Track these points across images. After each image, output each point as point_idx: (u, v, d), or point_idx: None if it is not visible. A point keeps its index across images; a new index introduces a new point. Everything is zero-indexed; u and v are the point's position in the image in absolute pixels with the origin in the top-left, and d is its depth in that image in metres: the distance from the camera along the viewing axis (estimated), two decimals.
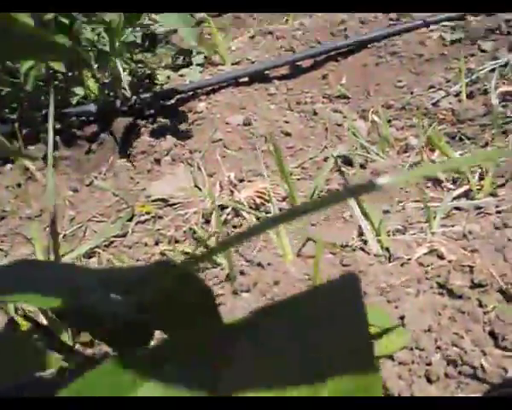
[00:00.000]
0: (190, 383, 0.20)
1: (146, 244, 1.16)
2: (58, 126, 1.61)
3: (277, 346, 0.23)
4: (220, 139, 1.40)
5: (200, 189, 1.25)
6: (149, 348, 0.28)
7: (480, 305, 0.71)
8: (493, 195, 0.99)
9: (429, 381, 0.64)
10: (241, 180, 1.24)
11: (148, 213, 1.26)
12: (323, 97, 1.54)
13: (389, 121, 1.36)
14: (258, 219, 1.08)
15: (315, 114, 1.47)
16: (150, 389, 0.20)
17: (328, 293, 0.26)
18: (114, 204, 1.37)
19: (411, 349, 0.67)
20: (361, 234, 0.93)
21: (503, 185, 1.00)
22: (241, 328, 0.24)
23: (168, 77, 1.74)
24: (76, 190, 1.49)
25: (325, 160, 1.24)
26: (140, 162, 1.50)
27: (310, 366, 0.21)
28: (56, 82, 1.66)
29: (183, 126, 1.52)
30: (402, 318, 0.70)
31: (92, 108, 1.61)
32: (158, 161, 1.45)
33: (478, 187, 1.01)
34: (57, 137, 1.60)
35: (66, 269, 0.34)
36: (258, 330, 0.24)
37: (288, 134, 1.40)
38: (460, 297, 0.73)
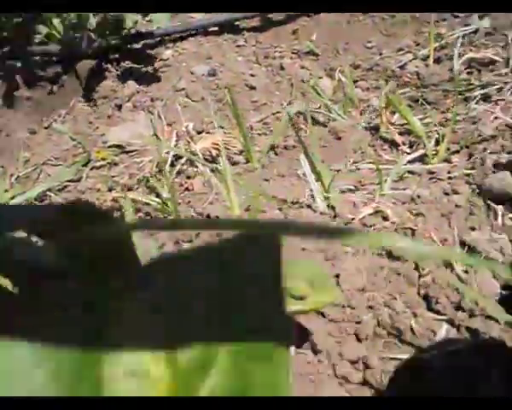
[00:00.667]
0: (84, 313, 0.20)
1: (99, 190, 1.14)
2: (19, 65, 1.56)
3: (187, 286, 0.22)
4: (183, 88, 1.37)
5: (158, 137, 1.23)
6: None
7: (417, 268, 0.72)
8: (447, 161, 0.98)
9: (358, 339, 0.65)
10: (200, 132, 1.22)
11: (103, 159, 1.24)
12: (292, 53, 1.52)
13: (355, 81, 1.34)
14: (212, 171, 1.06)
15: (282, 69, 1.44)
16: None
17: (247, 242, 0.25)
18: (71, 148, 1.34)
19: (343, 307, 0.67)
20: (312, 192, 0.92)
21: (457, 152, 1.00)
22: (157, 267, 0.23)
23: (136, 22, 1.69)
24: (34, 131, 1.45)
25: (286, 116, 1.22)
26: (101, 107, 1.46)
27: (217, 309, 0.20)
28: (19, 19, 1.60)
29: (147, 73, 1.49)
30: (337, 276, 0.70)
31: (56, 48, 1.56)
32: (119, 107, 1.42)
33: (433, 152, 1.00)
34: (18, 77, 1.56)
35: None
36: (174, 268, 0.23)
37: (252, 88, 1.37)
38: (397, 259, 0.73)
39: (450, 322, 0.66)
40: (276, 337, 0.19)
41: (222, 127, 1.19)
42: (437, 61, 1.33)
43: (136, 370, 0.19)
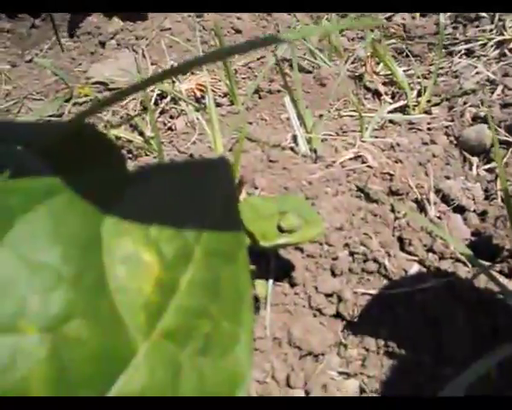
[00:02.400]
0: (81, 213, 0.21)
1: None
2: None
3: (158, 198, 0.23)
4: (169, 28, 1.36)
5: (141, 76, 1.22)
6: (41, 178, 0.28)
7: (393, 211, 0.74)
8: (427, 112, 1.00)
9: (333, 274, 0.67)
10: (185, 73, 1.21)
11: (86, 95, 1.23)
12: None
13: (341, 31, 1.34)
14: (197, 110, 1.07)
15: (269, 14, 1.43)
16: (36, 215, 0.20)
17: (205, 167, 0.27)
18: (53, 83, 1.33)
19: (321, 244, 0.69)
20: (294, 136, 0.93)
21: (438, 104, 1.02)
22: (130, 180, 0.24)
23: None
24: (14, 64, 1.43)
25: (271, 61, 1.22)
26: (84, 43, 1.45)
27: (184, 222, 0.22)
28: None
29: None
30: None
31: None
32: (102, 44, 1.41)
33: (414, 103, 1.02)
34: None
35: None
36: (149, 180, 0.24)
37: (238, 31, 1.37)
38: (375, 201, 0.75)
39: (422, 262, 0.69)
40: (236, 243, 0.23)
41: (206, 70, 1.19)
42: (423, 14, 1.33)
43: (132, 256, 0.21)
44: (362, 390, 0.59)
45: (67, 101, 1.24)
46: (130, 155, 1.04)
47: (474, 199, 0.78)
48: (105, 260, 0.21)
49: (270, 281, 0.66)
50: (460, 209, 0.77)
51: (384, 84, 1.11)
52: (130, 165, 0.89)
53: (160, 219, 0.22)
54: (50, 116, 1.20)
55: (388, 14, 1.35)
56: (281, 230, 0.59)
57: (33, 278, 0.19)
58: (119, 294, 0.20)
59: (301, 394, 0.58)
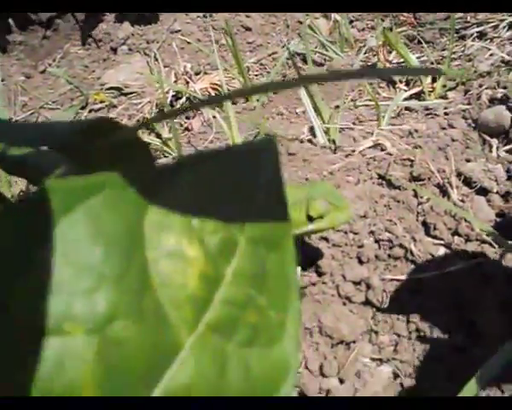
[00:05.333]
0: (120, 211, 0.21)
1: None
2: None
3: (200, 188, 0.24)
4: (178, 30, 1.37)
5: (155, 79, 1.23)
6: (78, 178, 0.28)
7: (416, 196, 0.74)
8: (443, 97, 1.00)
9: (360, 262, 0.67)
10: (198, 73, 1.22)
11: (102, 101, 1.24)
12: None
13: (351, 22, 1.34)
14: (213, 109, 1.08)
15: None
16: (77, 216, 0.20)
17: (250, 151, 0.27)
18: (68, 92, 1.35)
19: (346, 233, 0.69)
20: (311, 129, 0.93)
21: (453, 88, 1.01)
22: (169, 172, 0.24)
23: None
24: (29, 76, 1.45)
25: (283, 56, 1.22)
26: (96, 51, 1.46)
27: (227, 211, 0.22)
28: None
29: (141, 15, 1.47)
30: None
31: None
32: (114, 50, 1.42)
33: (430, 89, 1.02)
34: (10, 20, 1.54)
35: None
36: (185, 172, 0.24)
37: (248, 29, 1.37)
38: (397, 188, 0.75)
39: (448, 246, 0.69)
40: (281, 230, 0.22)
41: (219, 68, 1.19)
42: None
43: (175, 250, 0.21)
44: (395, 376, 0.59)
45: (83, 108, 1.25)
46: None
47: (496, 180, 0.78)
48: (148, 256, 0.21)
49: (298, 271, 0.66)
50: (483, 191, 0.76)
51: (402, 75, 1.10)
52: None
53: (202, 210, 0.22)
54: None
55: None
56: (310, 217, 0.59)
57: (77, 280, 0.19)
58: (164, 290, 0.20)
59: (335, 382, 0.59)
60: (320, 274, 0.67)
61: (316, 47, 1.25)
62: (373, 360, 0.61)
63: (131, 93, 1.23)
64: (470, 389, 0.49)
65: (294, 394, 0.57)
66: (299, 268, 0.66)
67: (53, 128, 0.36)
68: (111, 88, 1.27)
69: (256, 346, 0.21)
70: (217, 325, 0.20)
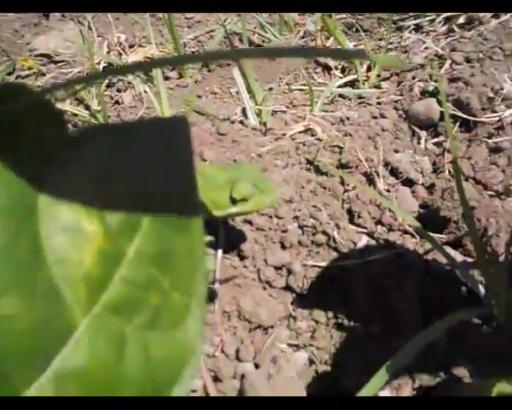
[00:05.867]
0: (16, 181, 0.19)
1: None
2: None
3: (104, 164, 0.22)
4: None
5: (88, 48, 1.18)
6: None
7: (342, 183, 0.74)
8: (377, 87, 1.00)
9: (283, 247, 0.67)
10: (132, 45, 1.18)
11: (30, 68, 1.18)
12: None
13: None
14: (145, 83, 1.04)
15: None
16: None
17: (159, 127, 0.25)
18: None
19: (270, 217, 0.68)
20: (243, 110, 0.92)
21: (387, 79, 1.02)
22: (73, 144, 0.22)
23: None
24: None
25: (220, 34, 1.20)
26: (27, 15, 1.39)
27: (133, 188, 0.21)
28: None
29: None
30: None
31: None
32: (46, 16, 1.35)
33: (364, 78, 1.02)
34: None
35: None
36: (94, 143, 0.22)
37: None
38: (325, 174, 0.75)
39: (371, 235, 0.69)
40: (190, 212, 0.21)
41: (154, 43, 1.16)
42: None
43: (72, 225, 0.20)
44: (311, 362, 0.59)
45: (9, 74, 1.19)
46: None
47: (422, 172, 0.79)
48: (41, 230, 0.19)
49: (219, 254, 0.65)
50: (408, 182, 0.77)
51: (334, 58, 1.10)
52: None
53: (105, 185, 0.20)
54: None
55: None
56: (233, 199, 0.58)
57: None
58: (58, 266, 0.19)
59: (251, 367, 0.58)
60: (242, 258, 0.65)
61: (255, 27, 1.23)
62: (290, 345, 0.60)
63: (61, 61, 1.18)
64: (381, 377, 0.49)
65: (206, 378, 0.56)
66: (220, 251, 0.65)
67: None
68: (40, 55, 1.21)
69: (158, 329, 0.20)
70: (115, 305, 0.19)
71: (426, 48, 1.07)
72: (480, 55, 0.96)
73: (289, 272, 0.65)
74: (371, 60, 0.20)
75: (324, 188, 0.73)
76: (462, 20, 1.12)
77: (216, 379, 0.57)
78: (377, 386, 0.48)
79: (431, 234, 0.66)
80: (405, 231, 0.70)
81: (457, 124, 0.85)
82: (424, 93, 0.93)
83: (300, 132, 0.83)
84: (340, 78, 1.04)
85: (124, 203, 0.21)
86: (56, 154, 0.22)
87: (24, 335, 0.18)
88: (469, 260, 0.65)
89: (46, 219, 0.19)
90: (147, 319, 0.19)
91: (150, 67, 0.22)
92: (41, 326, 0.18)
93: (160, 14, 1.28)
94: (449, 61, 0.99)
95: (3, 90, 0.31)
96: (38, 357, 0.18)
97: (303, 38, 1.21)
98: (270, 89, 0.97)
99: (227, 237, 0.66)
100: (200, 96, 1.01)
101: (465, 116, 0.84)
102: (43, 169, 0.21)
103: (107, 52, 1.15)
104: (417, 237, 0.69)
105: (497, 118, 0.81)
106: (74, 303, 0.19)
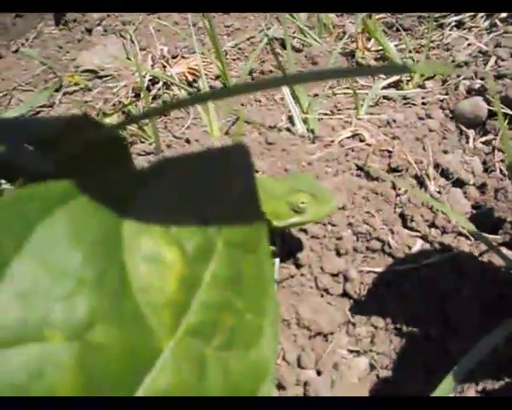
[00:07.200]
0: (99, 215, 0.21)
1: None
2: None
3: (176, 193, 0.23)
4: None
5: (133, 62, 1.21)
6: (57, 182, 0.27)
7: (394, 188, 0.74)
8: (421, 87, 1.00)
9: (338, 254, 0.68)
10: (175, 56, 1.20)
11: (76, 84, 1.22)
12: None
13: None
14: (189, 94, 1.06)
15: None
16: (55, 220, 0.20)
17: (224, 155, 0.27)
18: (41, 73, 1.32)
19: (324, 225, 0.70)
20: (290, 117, 0.93)
21: (431, 78, 1.02)
22: (147, 176, 0.24)
23: None
24: (1, 56, 1.41)
25: (262, 42, 1.21)
26: (70, 31, 1.43)
27: (204, 215, 0.22)
28: None
29: None
30: None
31: None
32: (89, 31, 1.39)
33: (407, 78, 1.02)
34: None
35: None
36: (162, 177, 0.24)
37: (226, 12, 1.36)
38: (376, 179, 0.76)
39: (425, 238, 0.69)
40: (257, 233, 0.23)
41: (196, 52, 1.18)
42: None
43: (153, 254, 0.21)
44: (372, 367, 0.60)
45: (57, 91, 1.23)
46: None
47: (473, 172, 0.78)
48: (127, 260, 0.21)
49: (277, 262, 0.66)
50: (459, 183, 0.77)
51: (376, 59, 1.10)
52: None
53: (179, 214, 0.22)
54: (41, 107, 1.19)
55: None
56: (293, 209, 0.59)
57: (56, 285, 0.18)
58: (143, 294, 0.20)
59: (313, 374, 0.59)
60: (298, 266, 0.67)
61: (294, 32, 1.24)
62: (350, 351, 0.61)
63: (107, 76, 1.21)
64: (447, 384, 0.49)
65: (274, 394, 0.58)
66: (277, 260, 0.66)
67: (31, 125, 0.35)
68: (86, 70, 1.25)
69: (234, 349, 0.21)
70: (195, 328, 0.20)
71: (469, 44, 1.06)
72: None
73: (346, 278, 0.66)
74: (414, 72, 0.21)
75: (376, 193, 0.73)
76: (504, 14, 1.10)
77: (279, 387, 0.58)
78: (445, 392, 0.49)
79: (485, 235, 0.66)
80: (459, 233, 0.70)
81: (506, 121, 0.84)
82: (470, 91, 0.93)
83: (348, 138, 0.83)
84: (384, 79, 1.04)
85: (198, 230, 0.22)
86: (133, 186, 0.23)
87: (114, 361, 0.19)
88: None
89: (130, 249, 0.21)
90: (223, 340, 0.21)
91: (204, 100, 0.23)
92: (129, 352, 0.20)
93: (201, 24, 1.30)
94: (494, 58, 0.98)
95: (69, 123, 0.32)
96: (128, 381, 0.19)
97: (341, 39, 1.21)
98: (316, 95, 0.98)
99: (283, 247, 0.67)
100: (243, 105, 1.03)
101: None
102: (123, 202, 0.22)
103: (152, 65, 1.18)
104: (472, 238, 0.69)
105: None
106: (159, 329, 0.20)
